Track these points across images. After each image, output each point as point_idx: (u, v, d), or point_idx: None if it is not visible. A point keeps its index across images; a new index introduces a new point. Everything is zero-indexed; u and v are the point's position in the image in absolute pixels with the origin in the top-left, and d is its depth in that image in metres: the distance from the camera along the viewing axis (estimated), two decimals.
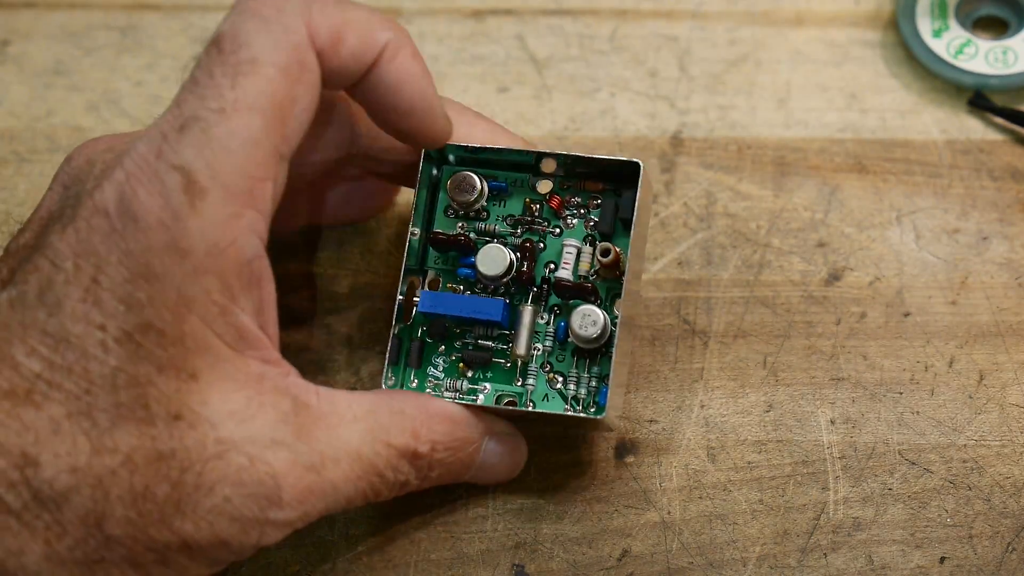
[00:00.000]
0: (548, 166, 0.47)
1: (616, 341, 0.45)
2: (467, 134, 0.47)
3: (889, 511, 0.47)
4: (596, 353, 0.47)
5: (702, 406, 0.50)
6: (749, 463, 0.48)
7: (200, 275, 0.40)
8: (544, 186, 0.48)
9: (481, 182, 0.47)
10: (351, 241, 0.54)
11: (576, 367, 0.47)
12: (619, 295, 0.46)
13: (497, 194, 0.48)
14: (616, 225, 0.47)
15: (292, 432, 0.41)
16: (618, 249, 0.46)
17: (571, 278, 0.47)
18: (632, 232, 0.46)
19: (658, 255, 0.52)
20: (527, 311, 0.47)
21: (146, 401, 0.40)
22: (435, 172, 0.48)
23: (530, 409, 0.46)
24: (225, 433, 0.40)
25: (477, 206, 0.48)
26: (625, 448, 0.49)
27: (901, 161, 0.54)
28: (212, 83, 0.41)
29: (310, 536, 0.48)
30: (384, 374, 0.46)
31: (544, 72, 0.57)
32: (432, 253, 0.48)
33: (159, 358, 0.40)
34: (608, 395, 0.45)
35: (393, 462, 0.43)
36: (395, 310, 0.47)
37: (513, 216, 0.48)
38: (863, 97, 0.56)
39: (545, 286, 0.47)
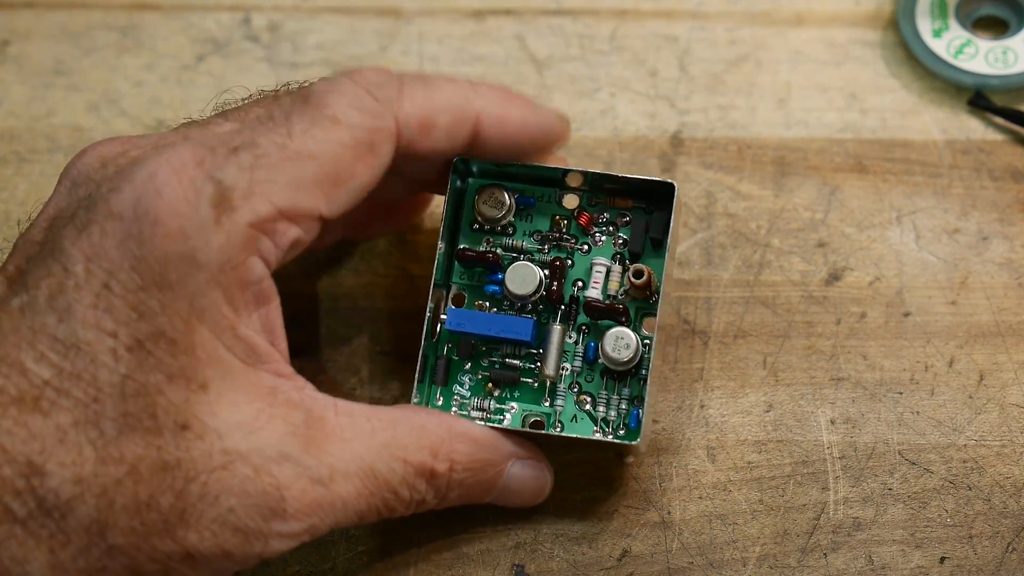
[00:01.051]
0: (575, 180, 0.47)
1: (651, 364, 0.45)
2: (502, 115, 0.45)
3: (889, 511, 0.47)
4: (626, 375, 0.46)
5: (702, 406, 0.50)
6: (749, 463, 0.48)
7: (212, 288, 0.40)
8: (571, 201, 0.47)
9: (510, 197, 0.47)
10: (351, 241, 0.54)
11: (606, 388, 0.46)
12: (648, 314, 0.46)
13: (524, 208, 0.47)
14: (646, 244, 0.47)
15: (301, 445, 0.41)
16: (651, 270, 0.46)
17: (600, 298, 0.46)
18: (666, 255, 0.46)
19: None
20: (555, 330, 0.46)
21: (154, 411, 0.39)
22: (459, 184, 0.47)
23: (559, 433, 0.46)
24: (231, 444, 0.40)
25: (504, 222, 0.47)
26: (625, 448, 0.49)
27: (901, 161, 0.54)
28: (286, 123, 0.41)
29: None
30: (412, 392, 0.46)
31: (544, 72, 0.57)
32: (458, 268, 0.47)
33: (169, 367, 0.40)
34: (641, 419, 0.45)
35: (409, 480, 0.43)
36: (424, 327, 0.46)
37: (540, 232, 0.47)
38: (863, 97, 0.56)
39: (574, 305, 0.47)
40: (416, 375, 0.46)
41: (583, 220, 0.47)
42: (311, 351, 0.51)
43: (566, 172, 0.47)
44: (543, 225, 0.47)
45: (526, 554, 0.47)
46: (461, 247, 0.47)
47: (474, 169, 0.47)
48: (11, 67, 0.57)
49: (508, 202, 0.47)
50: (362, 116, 0.42)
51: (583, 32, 0.58)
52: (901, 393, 0.49)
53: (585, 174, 0.47)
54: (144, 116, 0.56)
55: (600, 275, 0.47)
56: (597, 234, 0.47)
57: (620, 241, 0.47)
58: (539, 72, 0.57)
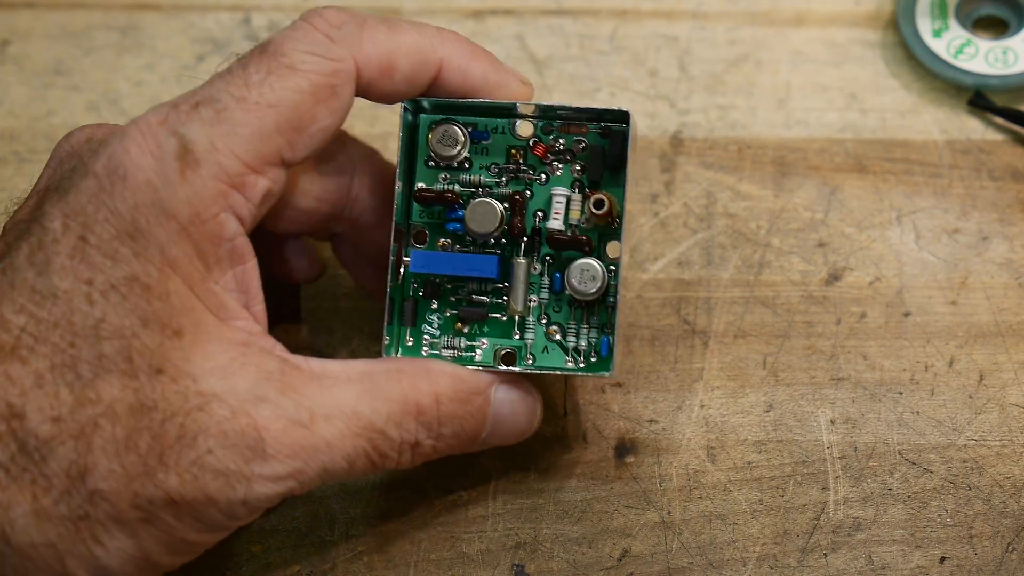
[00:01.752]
0: (527, 108, 0.46)
1: (618, 291, 0.45)
2: (464, 67, 0.45)
3: (889, 511, 0.47)
4: (594, 303, 0.46)
5: (702, 406, 0.50)
6: (749, 463, 0.48)
7: (182, 239, 0.41)
8: (525, 128, 0.47)
9: (463, 133, 0.47)
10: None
11: (574, 319, 0.46)
12: (611, 238, 0.46)
13: (478, 142, 0.47)
14: (604, 172, 0.46)
15: (278, 388, 0.41)
16: (611, 197, 0.46)
17: (563, 228, 0.46)
18: (626, 179, 0.45)
19: (658, 255, 0.52)
20: (520, 264, 0.46)
21: (129, 354, 0.40)
22: (411, 119, 0.47)
23: (531, 365, 0.46)
24: (207, 387, 0.40)
25: (460, 158, 0.47)
26: (625, 448, 0.49)
27: (901, 161, 0.54)
28: (243, 74, 0.42)
29: (310, 536, 0.48)
30: (382, 333, 0.46)
31: (544, 72, 0.57)
32: (417, 207, 0.47)
33: (143, 311, 0.40)
34: (613, 345, 0.45)
35: (395, 419, 0.42)
36: (388, 269, 0.46)
37: (497, 165, 0.47)
38: (863, 97, 0.56)
39: (536, 237, 0.47)
40: (384, 318, 0.46)
41: (539, 151, 0.47)
42: (312, 351, 0.51)
43: (517, 105, 0.46)
44: (499, 158, 0.47)
45: (526, 554, 0.47)
46: (419, 187, 0.47)
47: (426, 105, 0.46)
48: (11, 67, 0.57)
49: (462, 138, 0.47)
50: (318, 61, 0.42)
51: (583, 32, 0.58)
52: (901, 393, 0.49)
53: (537, 106, 0.46)
54: None
55: (560, 205, 0.46)
56: (554, 163, 0.47)
57: (578, 168, 0.47)
58: (539, 72, 0.57)
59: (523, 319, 0.47)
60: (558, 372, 0.46)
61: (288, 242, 0.49)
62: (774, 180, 0.54)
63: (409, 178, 0.47)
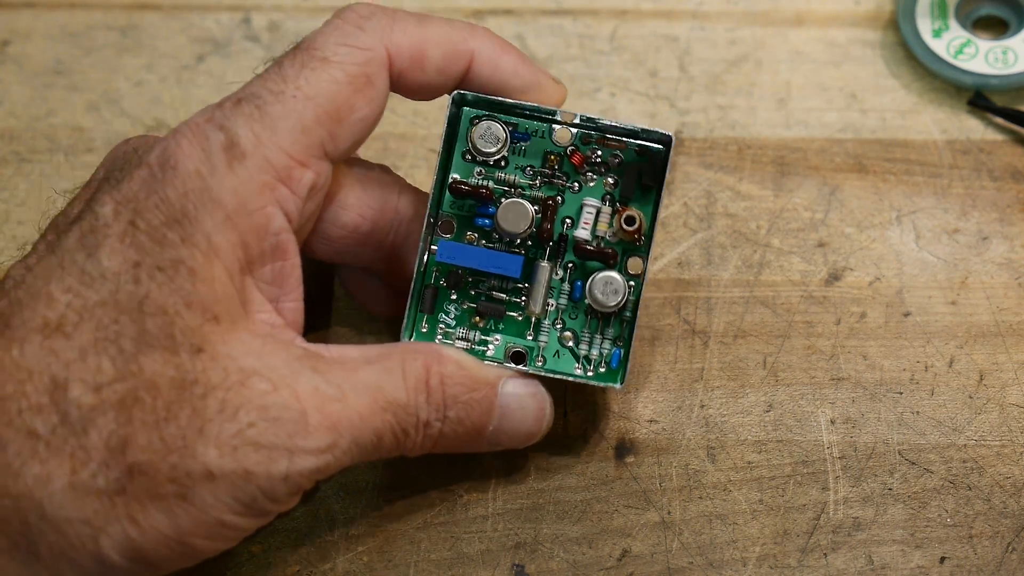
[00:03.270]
0: (567, 117, 0.47)
1: (638, 307, 0.46)
2: (496, 59, 0.46)
3: (889, 511, 0.47)
4: (610, 316, 0.47)
5: (702, 406, 0.50)
6: (749, 463, 0.48)
7: (228, 229, 0.42)
8: (563, 134, 0.47)
9: (505, 132, 0.47)
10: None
11: (589, 328, 0.47)
12: (634, 255, 0.47)
13: (517, 142, 0.47)
14: (637, 190, 0.47)
15: (310, 367, 0.42)
16: (642, 216, 0.46)
17: (589, 238, 0.47)
18: (660, 204, 0.46)
19: (658, 255, 0.52)
20: (543, 268, 0.47)
21: (171, 331, 0.40)
22: (455, 111, 0.47)
23: (541, 367, 0.46)
24: (246, 364, 0.41)
25: (498, 156, 0.47)
26: (625, 448, 0.49)
27: (901, 161, 0.54)
28: (279, 71, 0.43)
29: (310, 536, 0.48)
30: (405, 317, 0.46)
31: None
32: (448, 198, 0.47)
33: (188, 294, 0.41)
34: (625, 358, 0.45)
35: (411, 396, 0.43)
36: (418, 258, 0.46)
37: (532, 167, 0.47)
38: (863, 97, 0.56)
39: (562, 243, 0.47)
40: (408, 305, 0.46)
41: (576, 159, 0.47)
42: None
43: (559, 113, 0.47)
44: (535, 161, 0.47)
45: (526, 554, 0.47)
46: (454, 179, 0.47)
47: (469, 97, 0.47)
48: (11, 67, 0.57)
49: (504, 137, 0.47)
50: (350, 51, 0.43)
51: (583, 32, 0.58)
52: (901, 393, 0.49)
53: (580, 116, 0.47)
54: (144, 116, 0.56)
55: (590, 216, 0.47)
56: (589, 173, 0.47)
57: (611, 182, 0.47)
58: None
59: (539, 321, 0.47)
60: (567, 378, 0.46)
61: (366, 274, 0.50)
62: (774, 180, 0.54)
63: (445, 169, 0.47)
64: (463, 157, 0.47)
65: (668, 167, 0.46)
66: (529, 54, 0.57)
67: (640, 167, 0.47)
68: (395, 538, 0.48)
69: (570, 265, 0.47)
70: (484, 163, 0.47)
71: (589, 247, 0.47)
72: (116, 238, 0.41)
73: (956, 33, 0.56)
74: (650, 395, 0.50)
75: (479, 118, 0.47)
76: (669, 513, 0.48)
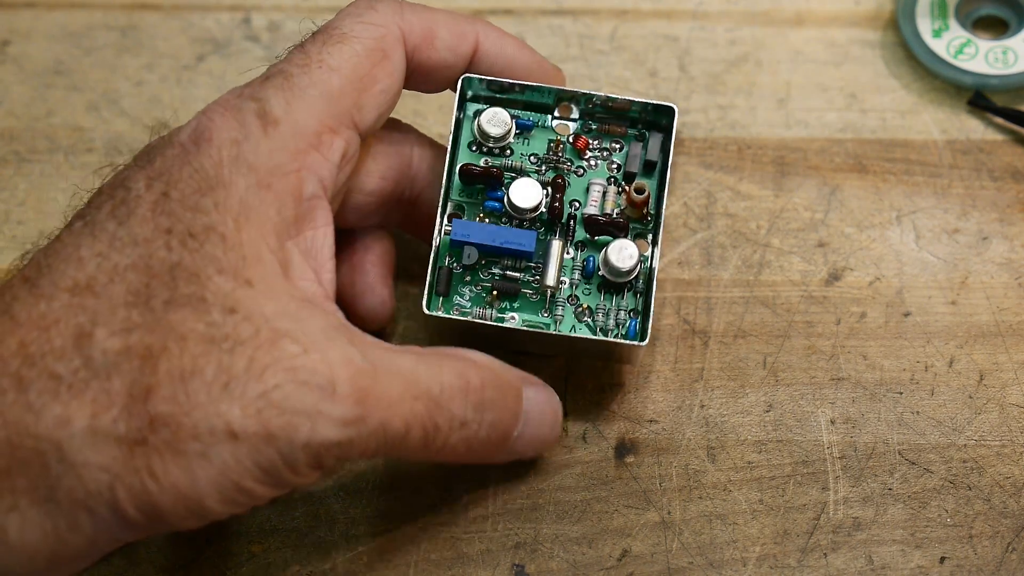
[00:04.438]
0: (565, 111, 0.49)
1: (655, 275, 0.46)
2: (499, 42, 0.48)
3: (889, 511, 0.47)
4: (623, 288, 0.47)
5: (702, 406, 0.50)
6: (749, 463, 0.48)
7: (262, 190, 0.42)
8: (563, 129, 0.49)
9: (511, 119, 0.48)
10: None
11: (604, 300, 0.47)
12: (640, 235, 0.47)
13: (521, 132, 0.49)
14: (641, 167, 0.48)
15: (346, 339, 0.41)
16: (649, 189, 0.47)
17: (599, 213, 0.48)
18: (668, 173, 0.47)
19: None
20: (555, 244, 0.47)
21: (203, 294, 0.40)
22: (465, 93, 0.49)
23: (562, 330, 0.47)
24: (279, 325, 0.40)
25: (504, 142, 0.48)
26: (625, 448, 0.49)
27: (901, 161, 0.54)
28: (302, 50, 0.45)
29: (310, 536, 0.48)
30: (424, 299, 0.46)
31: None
32: (457, 185, 0.48)
33: (219, 260, 0.41)
34: (648, 319, 0.46)
35: (449, 392, 0.43)
36: (435, 242, 0.47)
37: (537, 155, 0.48)
38: (863, 97, 0.56)
39: (571, 223, 0.48)
40: (426, 288, 0.47)
41: (580, 143, 0.48)
42: None
43: (564, 96, 0.48)
44: (540, 148, 0.49)
45: (526, 554, 0.47)
46: (464, 163, 0.48)
47: (477, 81, 0.48)
48: (11, 67, 0.57)
49: (510, 122, 0.48)
50: (366, 27, 0.45)
51: (583, 32, 0.58)
52: (901, 393, 0.49)
53: (587, 95, 0.48)
54: (144, 116, 0.56)
55: (598, 193, 0.48)
56: (592, 158, 0.48)
57: (615, 166, 0.48)
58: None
59: (553, 296, 0.47)
60: (589, 337, 0.47)
61: (365, 279, 0.50)
62: (774, 180, 0.54)
63: (452, 159, 0.48)
64: (469, 148, 0.48)
65: (672, 138, 0.47)
66: None
67: (644, 144, 0.48)
68: (395, 538, 0.48)
69: (581, 245, 0.48)
70: (490, 152, 0.48)
71: (599, 219, 0.47)
72: (148, 207, 0.41)
73: (956, 33, 0.56)
74: (650, 395, 0.50)
75: (485, 108, 0.48)
76: (669, 513, 0.48)
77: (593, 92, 0.48)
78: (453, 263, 0.47)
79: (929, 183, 0.54)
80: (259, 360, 0.40)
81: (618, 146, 0.48)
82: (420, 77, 0.47)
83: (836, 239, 0.52)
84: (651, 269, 0.47)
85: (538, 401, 0.46)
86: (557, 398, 0.47)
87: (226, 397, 0.39)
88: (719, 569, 0.47)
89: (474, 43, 0.47)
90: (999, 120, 0.55)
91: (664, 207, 0.47)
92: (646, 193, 0.47)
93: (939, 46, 0.56)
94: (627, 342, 0.46)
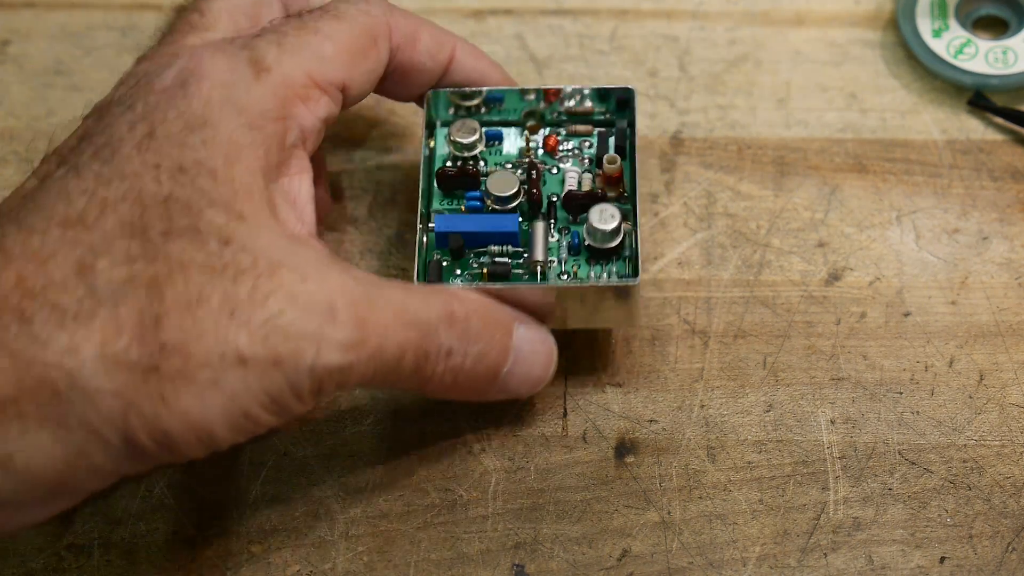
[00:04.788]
0: (534, 129, 0.50)
1: (638, 219, 0.48)
2: (474, 59, 0.50)
3: (889, 511, 0.47)
4: (611, 255, 0.48)
5: (702, 406, 0.50)
6: (749, 463, 0.48)
7: (252, 131, 0.43)
8: (533, 128, 0.51)
9: (479, 129, 0.50)
10: (351, 241, 0.54)
11: (593, 270, 0.48)
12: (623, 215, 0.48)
13: (491, 142, 0.50)
14: (611, 150, 0.50)
15: (340, 268, 0.42)
16: (622, 163, 0.49)
17: (577, 188, 0.49)
18: (635, 148, 0.49)
19: (658, 255, 0.52)
20: (539, 225, 0.48)
21: (197, 225, 0.41)
22: (432, 115, 0.51)
23: (559, 283, 0.47)
24: (276, 256, 0.41)
25: (476, 151, 0.50)
26: (625, 448, 0.49)
27: (901, 161, 0.54)
28: (299, 18, 0.46)
29: (310, 536, 0.48)
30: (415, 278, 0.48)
31: (544, 72, 0.57)
32: (437, 196, 0.49)
33: (210, 193, 0.41)
34: (638, 260, 0.47)
35: (435, 321, 0.43)
36: (420, 236, 0.48)
37: (511, 163, 0.50)
38: (863, 97, 0.56)
39: (552, 209, 0.49)
40: (415, 274, 0.48)
41: (551, 143, 0.50)
42: None
43: (529, 93, 0.51)
44: (512, 156, 0.50)
45: (526, 554, 0.47)
46: (440, 168, 0.49)
47: (443, 93, 0.50)
48: (11, 67, 0.57)
49: (478, 128, 0.50)
50: (361, 13, 0.47)
51: (583, 32, 0.58)
52: (901, 393, 0.49)
53: (544, 90, 0.50)
54: None
55: (574, 179, 0.49)
56: (564, 156, 0.50)
57: (586, 160, 0.50)
58: (539, 72, 0.57)
59: (544, 273, 0.48)
60: (583, 284, 0.47)
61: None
62: (774, 180, 0.54)
63: (428, 175, 0.50)
64: (444, 164, 0.50)
65: (634, 117, 0.49)
66: (529, 54, 0.58)
67: (610, 132, 0.50)
68: (395, 538, 0.48)
69: (564, 230, 0.49)
70: (464, 162, 0.50)
71: (578, 193, 0.48)
72: (133, 146, 0.42)
73: (956, 33, 0.56)
74: (650, 395, 0.50)
75: (453, 121, 0.50)
76: (669, 513, 0.48)
77: (545, 89, 0.50)
78: (441, 257, 0.48)
79: (929, 183, 0.54)
80: (261, 288, 0.40)
81: (588, 144, 0.50)
82: (397, 78, 0.49)
83: (836, 239, 0.52)
84: (635, 229, 0.48)
85: (530, 339, 0.46)
86: (551, 338, 0.47)
87: (233, 324, 0.40)
88: (719, 569, 0.47)
89: (451, 53, 0.49)
90: (999, 120, 0.55)
91: (637, 179, 0.48)
92: (618, 163, 0.48)
93: (939, 46, 0.56)
94: (621, 282, 0.46)
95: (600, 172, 0.49)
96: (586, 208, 0.48)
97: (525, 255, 0.48)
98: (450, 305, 0.44)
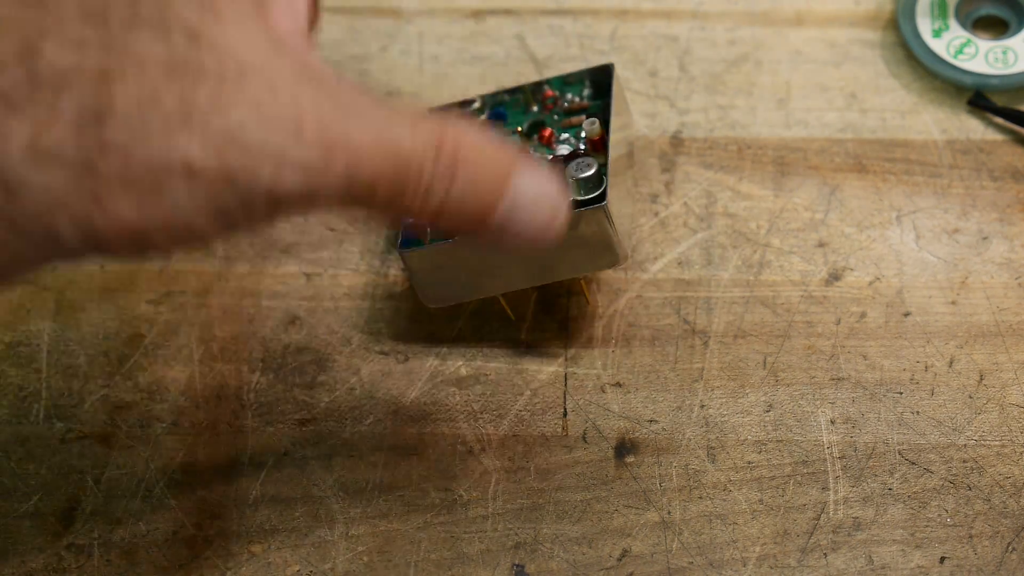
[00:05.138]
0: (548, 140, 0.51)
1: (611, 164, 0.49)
2: None
3: (889, 511, 0.47)
4: (592, 204, 0.48)
5: (702, 406, 0.50)
6: (749, 463, 0.48)
7: None
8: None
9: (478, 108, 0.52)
10: (351, 240, 0.54)
11: None
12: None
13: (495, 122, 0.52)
14: (608, 131, 0.51)
15: (315, 79, 0.38)
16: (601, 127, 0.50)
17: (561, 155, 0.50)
18: (611, 122, 0.50)
19: (658, 255, 0.52)
20: None
21: (164, 15, 0.37)
22: None
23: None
24: (247, 59, 0.37)
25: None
26: (625, 448, 0.49)
27: (901, 161, 0.54)
28: None
29: (310, 536, 0.48)
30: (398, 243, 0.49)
31: (544, 72, 0.57)
32: None
33: None
34: (607, 189, 0.48)
35: (419, 149, 0.39)
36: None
37: None
38: (863, 97, 0.56)
39: None
40: (399, 240, 0.48)
41: (546, 135, 0.51)
42: (311, 351, 0.51)
43: (513, 91, 0.52)
44: None
45: (526, 554, 0.47)
46: None
47: None
48: None
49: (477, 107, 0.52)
50: None
51: (583, 32, 0.58)
52: (901, 393, 0.49)
53: (552, 108, 0.52)
54: None
55: (564, 147, 0.51)
56: (559, 147, 0.51)
57: (582, 148, 0.51)
58: (539, 72, 0.57)
59: None
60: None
61: None
62: (774, 180, 0.54)
63: None
64: None
65: (612, 89, 0.51)
66: (529, 54, 0.58)
67: (598, 115, 0.51)
68: (395, 538, 0.48)
69: None
70: None
71: (561, 156, 0.50)
72: None
73: (956, 33, 0.56)
74: (650, 395, 0.50)
75: None
76: (669, 513, 0.48)
77: (537, 81, 0.52)
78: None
79: (929, 183, 0.54)
80: (224, 94, 0.36)
81: (582, 134, 0.51)
82: None
83: (836, 239, 0.52)
84: (607, 166, 0.49)
85: (537, 183, 0.42)
86: (560, 189, 0.42)
87: (186, 131, 0.36)
88: (719, 569, 0.47)
89: None
90: (999, 120, 0.55)
91: (610, 137, 0.50)
92: (597, 125, 0.50)
93: (939, 46, 0.56)
94: (589, 208, 0.47)
95: (584, 135, 0.50)
96: (571, 159, 0.49)
97: None
98: (440, 136, 0.39)
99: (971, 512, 0.47)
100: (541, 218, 0.42)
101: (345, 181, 0.38)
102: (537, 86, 0.53)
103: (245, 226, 0.38)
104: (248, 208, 0.37)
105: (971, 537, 0.47)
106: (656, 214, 0.53)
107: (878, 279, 0.52)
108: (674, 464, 0.49)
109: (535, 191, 0.41)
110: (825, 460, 0.48)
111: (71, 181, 0.36)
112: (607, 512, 0.48)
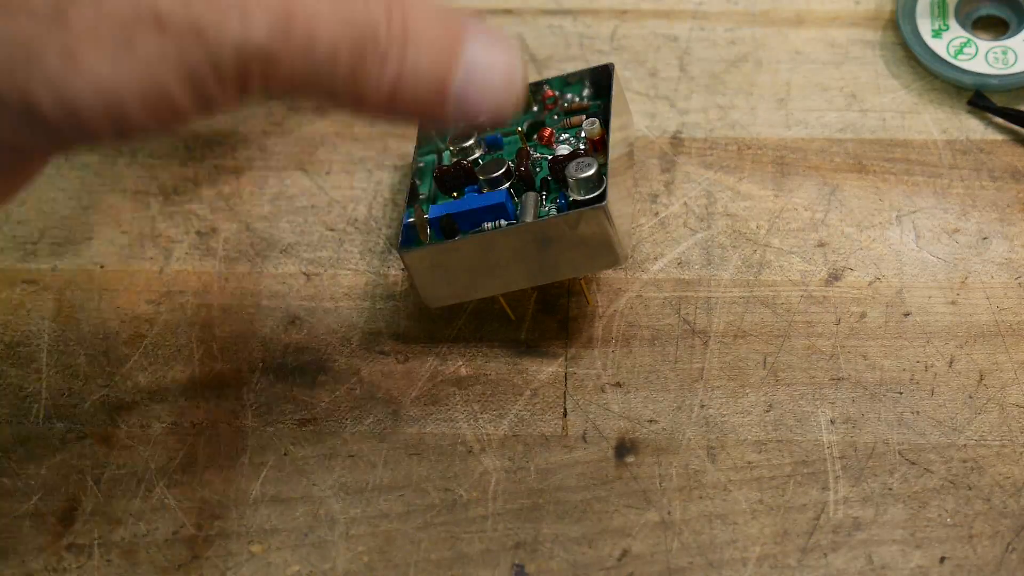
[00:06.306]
0: (523, 154, 0.51)
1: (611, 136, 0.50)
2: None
3: (889, 511, 0.47)
4: (593, 204, 0.48)
5: (702, 406, 0.50)
6: (749, 463, 0.48)
7: None
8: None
9: (478, 135, 0.51)
10: (351, 241, 0.54)
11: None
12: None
13: (491, 149, 0.52)
14: (609, 130, 0.51)
15: None
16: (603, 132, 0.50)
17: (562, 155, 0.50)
18: (611, 118, 0.50)
19: (658, 255, 0.52)
20: (530, 195, 0.49)
21: None
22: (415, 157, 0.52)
23: (533, 220, 0.48)
24: None
25: (475, 156, 0.51)
26: (625, 448, 0.49)
27: (901, 161, 0.54)
28: None
29: (310, 536, 0.48)
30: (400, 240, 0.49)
31: (544, 72, 0.57)
32: (439, 196, 0.51)
33: None
34: (607, 189, 0.48)
35: (373, 19, 0.39)
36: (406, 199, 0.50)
37: (509, 163, 0.50)
38: (863, 97, 0.56)
39: (544, 187, 0.50)
40: (401, 237, 0.49)
41: (546, 135, 0.51)
42: (311, 351, 0.51)
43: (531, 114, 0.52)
44: (510, 156, 0.51)
45: (526, 554, 0.47)
46: (440, 166, 0.51)
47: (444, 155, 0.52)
48: None
49: (474, 134, 0.51)
50: None
51: (583, 32, 0.58)
52: (901, 393, 0.49)
53: (531, 85, 0.52)
54: None
55: (563, 148, 0.51)
56: (559, 146, 0.51)
57: (582, 149, 0.51)
58: (539, 72, 0.57)
59: None
60: (556, 216, 0.48)
61: None
62: (774, 180, 0.54)
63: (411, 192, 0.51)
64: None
65: (612, 89, 0.51)
66: (529, 54, 0.58)
67: (598, 114, 0.51)
68: (395, 538, 0.48)
69: (556, 200, 0.49)
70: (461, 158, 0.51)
71: (561, 156, 0.50)
72: None
73: (956, 33, 0.56)
74: (650, 395, 0.50)
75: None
76: (669, 513, 0.48)
77: (537, 81, 0.52)
78: (437, 235, 0.49)
79: (929, 183, 0.54)
80: None
81: (582, 134, 0.51)
82: None
83: (836, 239, 0.52)
84: (606, 164, 0.49)
85: (487, 50, 0.41)
86: (514, 50, 0.42)
87: None
88: (719, 569, 0.47)
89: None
90: (999, 120, 0.55)
91: (610, 137, 0.50)
92: (597, 125, 0.50)
93: (939, 46, 0.56)
94: (589, 205, 0.47)
95: (584, 134, 0.50)
96: (570, 160, 0.49)
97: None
98: (388, 3, 0.39)
99: (971, 512, 0.47)
100: (498, 82, 0.41)
101: (307, 43, 0.38)
102: (537, 86, 0.53)
103: (215, 94, 0.37)
104: (218, 69, 0.37)
105: (971, 537, 0.47)
106: (656, 214, 0.53)
107: (878, 279, 0.52)
108: (674, 464, 0.49)
109: (488, 56, 0.41)
110: (825, 460, 0.48)
111: (43, 33, 0.35)
112: (607, 512, 0.48)
